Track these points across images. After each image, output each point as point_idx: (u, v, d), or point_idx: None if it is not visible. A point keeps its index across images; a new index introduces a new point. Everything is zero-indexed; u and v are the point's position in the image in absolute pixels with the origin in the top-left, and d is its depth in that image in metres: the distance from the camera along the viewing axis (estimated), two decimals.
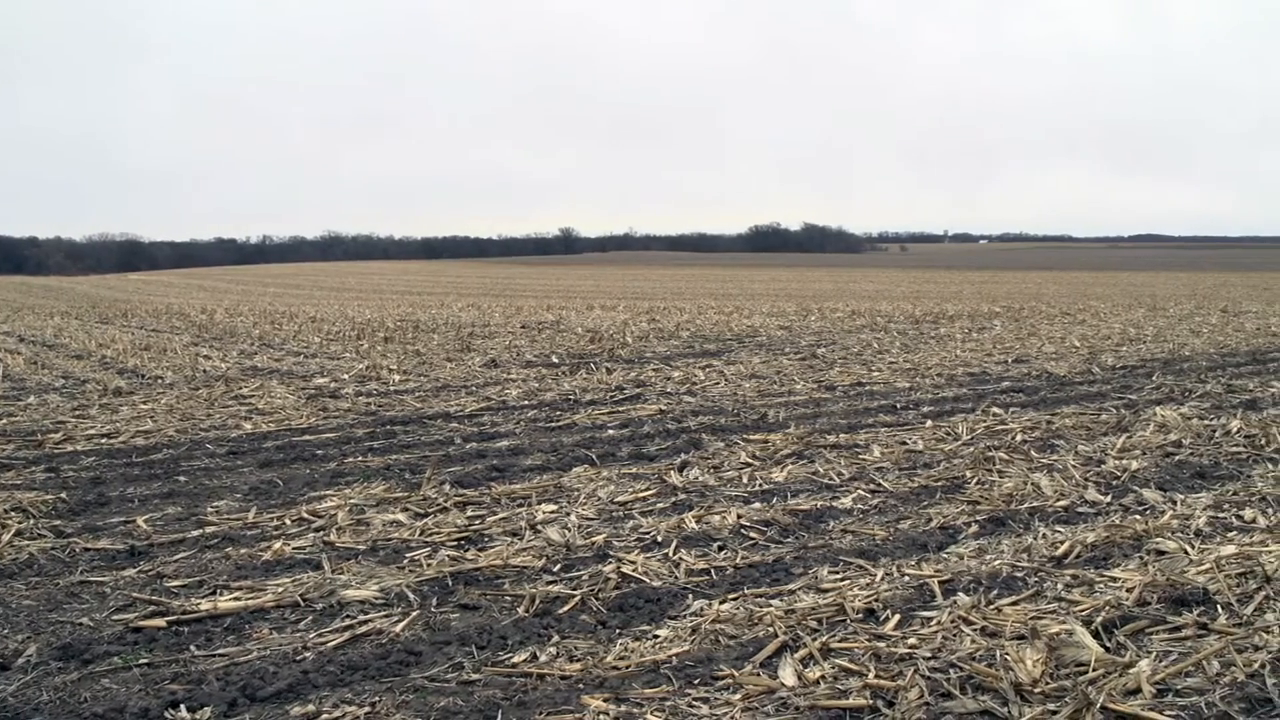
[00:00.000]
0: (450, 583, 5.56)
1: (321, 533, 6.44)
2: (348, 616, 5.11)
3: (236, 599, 5.30)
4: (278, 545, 6.15)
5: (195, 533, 6.49)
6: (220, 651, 4.71)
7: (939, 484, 7.60)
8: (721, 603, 5.20)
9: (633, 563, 5.80)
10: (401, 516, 6.78)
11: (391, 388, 12.82)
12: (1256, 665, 4.38)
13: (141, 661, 4.61)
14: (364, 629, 4.94)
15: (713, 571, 5.71)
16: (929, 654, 4.54)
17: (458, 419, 10.58)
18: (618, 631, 4.92)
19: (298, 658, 4.62)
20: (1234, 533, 6.35)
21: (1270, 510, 6.82)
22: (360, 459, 8.59)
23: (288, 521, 6.72)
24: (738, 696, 4.19)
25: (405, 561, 5.90)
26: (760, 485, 7.59)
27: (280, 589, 5.44)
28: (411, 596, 5.35)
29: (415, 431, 9.90)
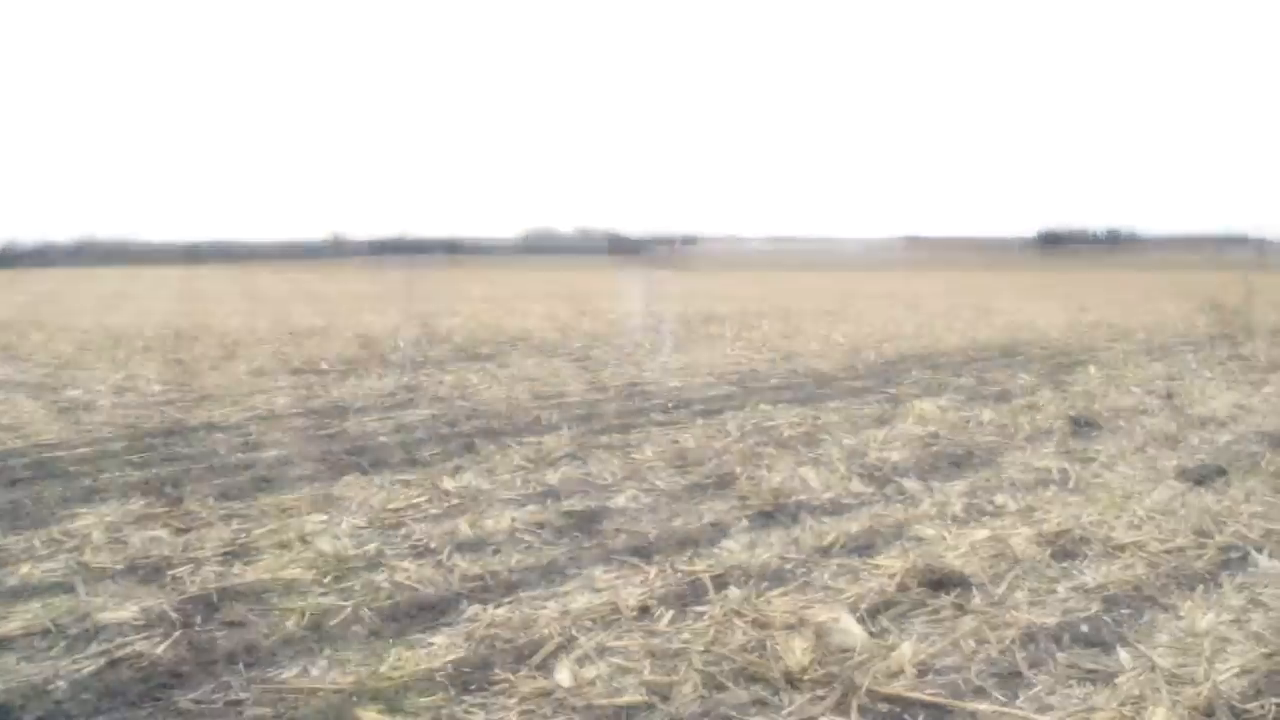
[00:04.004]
0: (215, 600, 5.36)
1: (75, 553, 6.10)
2: (104, 640, 4.85)
3: None
4: (25, 569, 5.80)
5: None
6: None
7: (710, 481, 7.76)
8: (497, 607, 5.19)
9: (406, 570, 5.72)
10: (162, 533, 6.49)
11: (151, 398, 12.25)
12: (1008, 641, 4.65)
13: None
14: (123, 652, 4.71)
15: (487, 576, 5.68)
16: (702, 648, 4.64)
17: (222, 429, 10.20)
18: (391, 641, 4.84)
19: (49, 687, 4.37)
20: (987, 517, 6.71)
21: (1019, 494, 7.23)
22: (117, 474, 8.18)
23: (37, 543, 6.33)
24: (514, 700, 4.19)
25: (167, 580, 5.65)
26: (534, 488, 7.58)
27: (29, 615, 5.13)
28: (174, 616, 5.12)
29: (177, 443, 9.50)
